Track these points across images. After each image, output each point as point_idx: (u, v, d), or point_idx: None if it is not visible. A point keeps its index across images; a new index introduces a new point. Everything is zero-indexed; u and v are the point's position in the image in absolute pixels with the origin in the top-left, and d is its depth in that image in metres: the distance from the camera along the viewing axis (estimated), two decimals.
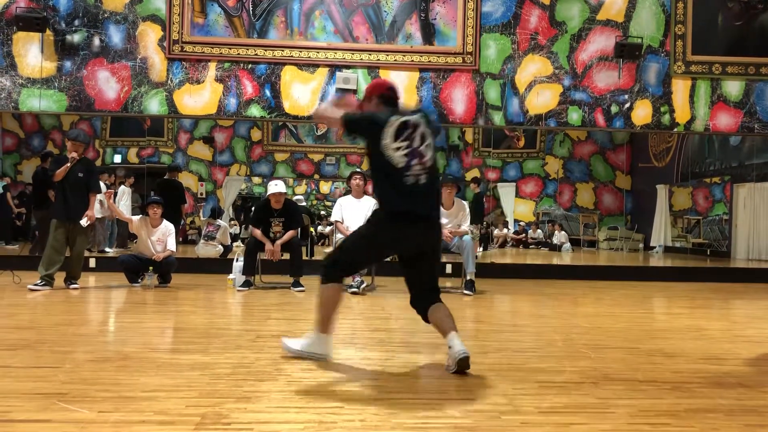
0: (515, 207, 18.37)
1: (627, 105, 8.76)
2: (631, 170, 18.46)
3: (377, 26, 8.54)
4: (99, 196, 8.68)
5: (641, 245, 17.07)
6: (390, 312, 5.63)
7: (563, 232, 16.77)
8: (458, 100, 8.62)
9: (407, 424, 2.46)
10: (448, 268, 8.74)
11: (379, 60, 8.48)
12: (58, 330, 4.25)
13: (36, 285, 6.51)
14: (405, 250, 3.47)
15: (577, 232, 17.81)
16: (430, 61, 8.56)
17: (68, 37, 8.27)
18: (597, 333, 4.66)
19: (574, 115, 8.75)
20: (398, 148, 3.27)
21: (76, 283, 6.79)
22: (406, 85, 8.54)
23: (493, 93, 8.68)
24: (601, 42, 8.76)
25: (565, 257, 13.88)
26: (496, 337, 4.47)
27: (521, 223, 18.13)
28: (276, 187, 7.24)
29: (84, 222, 6.67)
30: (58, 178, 6.64)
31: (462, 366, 3.23)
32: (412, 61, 8.54)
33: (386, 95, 3.49)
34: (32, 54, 8.24)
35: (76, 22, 8.30)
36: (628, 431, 2.45)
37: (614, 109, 8.76)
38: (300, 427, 2.41)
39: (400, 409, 2.66)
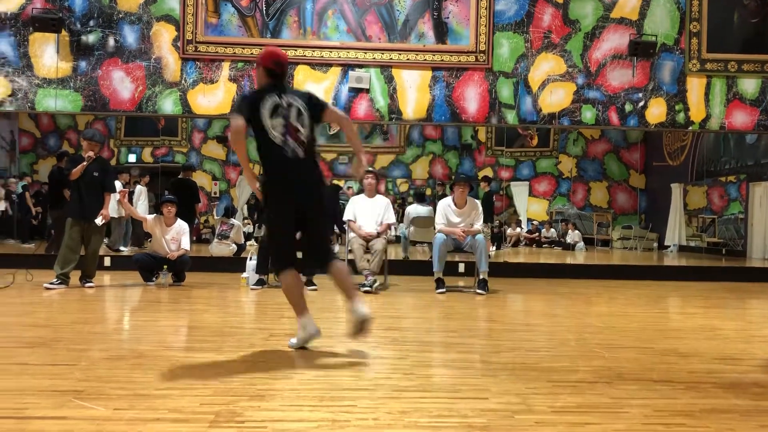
0: (528, 206, 18.29)
1: (641, 103, 8.71)
2: (645, 169, 18.33)
3: (390, 25, 8.54)
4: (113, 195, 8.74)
5: (655, 244, 16.94)
6: (403, 311, 5.63)
7: (577, 231, 16.69)
8: (471, 98, 8.60)
9: (420, 423, 2.46)
10: (461, 267, 8.73)
11: (391, 59, 8.48)
12: (73, 328, 4.29)
13: (51, 284, 6.56)
14: (290, 215, 3.75)
15: (591, 231, 17.71)
16: (442, 60, 8.55)
17: (83, 38, 8.33)
18: (610, 332, 4.64)
19: (588, 114, 8.71)
20: (274, 126, 3.67)
21: (91, 282, 6.85)
22: (418, 84, 8.54)
23: (506, 91, 8.65)
24: (615, 40, 8.71)
25: (579, 256, 13.81)
26: (509, 336, 4.46)
27: (534, 222, 18.06)
28: None
29: (99, 221, 6.73)
30: (74, 177, 6.70)
31: (363, 327, 3.57)
32: (425, 60, 8.54)
33: (270, 68, 3.82)
34: (48, 54, 8.32)
35: (91, 23, 8.36)
36: (642, 431, 2.44)
37: (628, 107, 8.71)
38: (314, 425, 2.42)
39: (413, 408, 2.66)
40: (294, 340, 3.84)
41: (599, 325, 5.00)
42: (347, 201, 7.68)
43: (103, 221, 6.79)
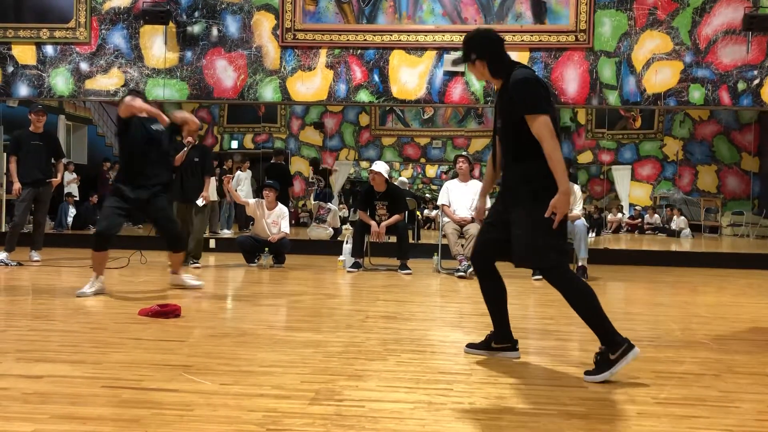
0: (631, 191, 17.61)
1: (756, 81, 8.16)
2: (759, 151, 17.17)
3: (486, 6, 8.40)
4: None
5: None
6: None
7: (683, 218, 15.92)
8: (570, 79, 8.35)
9: (518, 409, 2.44)
10: None
11: None
12: (182, 306, 4.52)
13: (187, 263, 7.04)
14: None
15: (698, 217, 16.83)
16: (541, 41, 8.33)
17: (189, 29, 8.70)
18: (720, 323, 4.42)
19: (696, 94, 8.25)
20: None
21: (197, 262, 7.19)
22: None
23: (607, 72, 8.33)
24: (727, 14, 8.19)
25: (685, 243, 13.18)
26: None
27: (637, 208, 17.37)
28: (374, 165, 7.36)
29: (200, 202, 7.08)
30: (177, 163, 7.06)
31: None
32: (523, 41, 8.35)
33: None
34: (157, 46, 8.74)
35: (196, 14, 8.71)
36: (756, 428, 2.31)
37: (741, 86, 8.19)
38: (410, 406, 2.45)
39: (510, 394, 2.64)
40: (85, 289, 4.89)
41: (707, 315, 4.77)
42: (440, 186, 7.66)
43: (204, 203, 7.13)
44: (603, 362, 2.89)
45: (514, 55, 8.36)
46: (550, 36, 8.31)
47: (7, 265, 6.78)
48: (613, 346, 2.89)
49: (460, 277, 6.69)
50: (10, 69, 8.85)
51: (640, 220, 16.96)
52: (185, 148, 7.05)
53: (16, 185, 7.05)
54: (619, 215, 17.05)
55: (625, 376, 2.91)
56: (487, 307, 3.37)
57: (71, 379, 2.68)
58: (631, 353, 2.87)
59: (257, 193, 10.22)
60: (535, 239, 2.99)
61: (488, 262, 3.32)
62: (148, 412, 2.30)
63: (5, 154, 8.45)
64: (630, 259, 9.25)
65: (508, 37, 8.34)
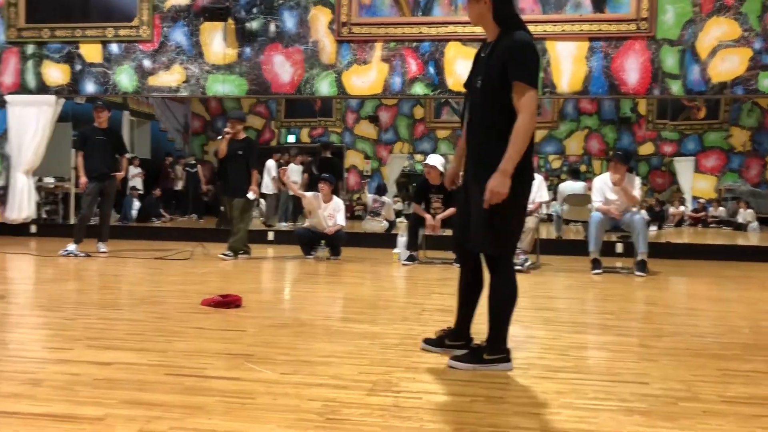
0: (694, 183, 17.05)
1: None
2: None
3: None
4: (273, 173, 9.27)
5: None
6: (555, 291, 5.51)
7: (750, 210, 15.33)
8: (631, 69, 8.13)
9: (576, 404, 2.41)
10: (619, 248, 8.34)
11: (545, 31, 8.21)
12: (242, 297, 4.61)
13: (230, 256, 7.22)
14: None
15: (767, 210, 16.17)
16: (600, 30, 8.14)
17: (247, 25, 8.84)
18: None
19: (766, 82, 7.92)
20: None
21: (245, 255, 7.32)
22: (574, 56, 8.20)
23: (670, 60, 8.08)
24: None
25: (752, 237, 12.70)
26: (671, 320, 4.23)
27: (701, 200, 16.81)
28: (428, 159, 7.34)
29: (251, 195, 7.19)
30: (220, 155, 7.29)
31: None
32: (581, 30, 8.17)
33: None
34: (216, 42, 8.92)
35: (255, 10, 8.85)
36: None
37: None
38: (467, 399, 2.45)
39: (568, 389, 2.61)
40: None
41: None
42: None
43: (254, 196, 7.24)
44: (474, 356, 2.89)
45: (572, 46, 8.24)
46: (610, 25, 8.11)
47: (75, 256, 7.06)
48: (494, 349, 2.87)
49: (517, 270, 6.62)
50: (78, 67, 9.18)
51: (704, 213, 16.42)
52: (219, 137, 7.19)
53: (83, 179, 7.32)
54: (682, 208, 16.53)
55: (688, 373, 2.84)
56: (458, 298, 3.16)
57: (138, 366, 2.78)
58: (503, 365, 2.85)
59: (310, 186, 10.35)
60: (489, 223, 2.78)
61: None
62: (211, 399, 2.36)
63: (73, 149, 8.80)
64: (693, 253, 8.98)
65: (566, 27, 8.18)
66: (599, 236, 6.71)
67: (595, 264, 6.63)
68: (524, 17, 8.47)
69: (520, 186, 2.76)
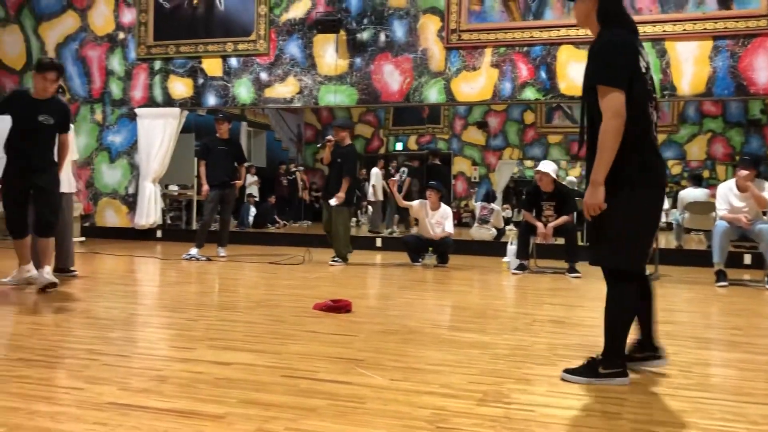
0: None
1: None
2: None
3: None
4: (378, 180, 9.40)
5: None
6: (677, 304, 5.23)
7: None
8: (761, 68, 7.60)
9: (701, 425, 2.27)
10: (747, 259, 7.80)
11: (665, 31, 7.84)
12: (352, 302, 4.69)
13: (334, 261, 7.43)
14: None
15: None
16: (726, 28, 7.67)
17: (358, 36, 9.03)
18: None
19: None
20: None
21: (338, 261, 7.44)
22: (696, 56, 7.77)
23: None
24: None
25: None
26: None
27: None
28: (541, 165, 7.17)
29: (333, 201, 7.32)
30: (324, 162, 7.62)
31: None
32: (705, 29, 7.73)
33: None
34: (329, 53, 9.16)
35: (365, 21, 9.02)
36: None
37: None
38: (582, 414, 2.37)
39: (692, 407, 2.47)
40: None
41: None
42: None
43: (337, 202, 7.32)
44: (590, 369, 2.77)
45: (694, 46, 7.82)
46: (737, 22, 7.63)
47: (197, 260, 7.45)
48: (609, 363, 2.73)
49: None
50: (200, 81, 9.72)
51: None
52: (319, 145, 7.40)
53: (205, 187, 7.72)
54: None
55: None
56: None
57: (254, 367, 2.89)
58: (619, 380, 2.74)
59: (420, 194, 10.42)
60: (596, 235, 2.74)
61: None
62: (323, 402, 2.42)
63: (196, 159, 9.31)
64: None
65: (687, 27, 7.78)
66: (724, 246, 6.31)
67: (720, 276, 6.23)
68: (641, 17, 8.08)
69: (624, 195, 2.65)
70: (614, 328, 2.76)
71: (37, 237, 4.98)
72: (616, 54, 2.65)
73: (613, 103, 2.58)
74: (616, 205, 2.63)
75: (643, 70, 2.70)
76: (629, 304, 2.77)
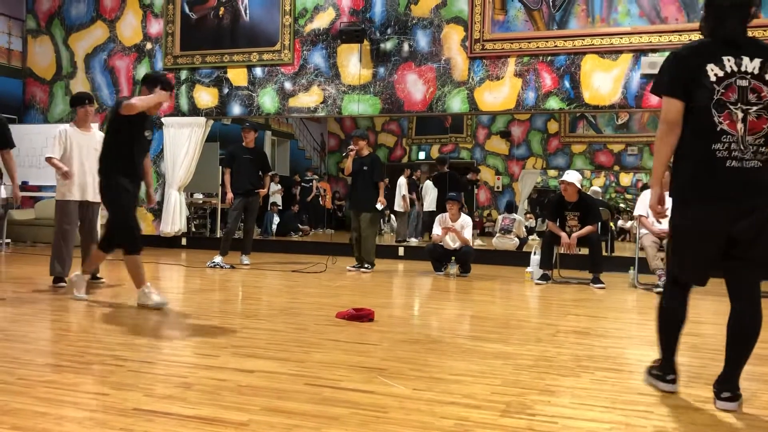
0: None
1: None
2: None
3: (689, 3, 7.81)
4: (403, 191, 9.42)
5: None
6: (703, 316, 5.15)
7: None
8: None
9: None
10: None
11: (691, 40, 7.76)
12: (374, 311, 4.70)
13: (360, 268, 7.57)
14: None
15: None
16: (754, 36, 7.57)
17: (382, 46, 9.07)
18: None
19: None
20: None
21: (366, 268, 7.51)
22: None
23: None
24: None
25: None
26: None
27: None
28: (566, 175, 7.12)
29: (379, 206, 7.44)
30: (347, 173, 7.68)
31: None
32: None
33: None
34: (352, 63, 9.22)
35: (389, 31, 9.06)
36: None
37: None
38: (606, 426, 2.35)
39: (720, 422, 2.43)
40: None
41: None
42: (636, 196, 7.23)
43: (381, 206, 7.43)
44: (650, 367, 2.94)
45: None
46: (765, 30, 7.53)
47: (221, 267, 7.51)
48: (659, 366, 2.88)
49: (659, 293, 6.26)
50: (226, 90, 9.83)
51: None
52: (344, 154, 7.49)
53: (229, 195, 7.80)
54: None
55: None
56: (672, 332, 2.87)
57: (278, 374, 2.91)
58: (662, 384, 2.82)
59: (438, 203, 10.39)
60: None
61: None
62: (346, 411, 2.43)
63: (221, 167, 9.40)
64: None
65: None
66: None
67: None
68: (667, 27, 7.94)
69: (675, 206, 2.71)
70: (658, 333, 2.89)
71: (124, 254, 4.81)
72: (667, 63, 2.73)
73: (663, 110, 2.67)
74: (671, 215, 2.73)
75: (712, 79, 2.60)
76: (660, 311, 2.89)
